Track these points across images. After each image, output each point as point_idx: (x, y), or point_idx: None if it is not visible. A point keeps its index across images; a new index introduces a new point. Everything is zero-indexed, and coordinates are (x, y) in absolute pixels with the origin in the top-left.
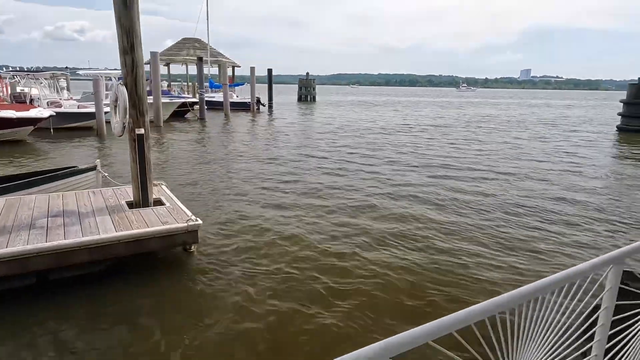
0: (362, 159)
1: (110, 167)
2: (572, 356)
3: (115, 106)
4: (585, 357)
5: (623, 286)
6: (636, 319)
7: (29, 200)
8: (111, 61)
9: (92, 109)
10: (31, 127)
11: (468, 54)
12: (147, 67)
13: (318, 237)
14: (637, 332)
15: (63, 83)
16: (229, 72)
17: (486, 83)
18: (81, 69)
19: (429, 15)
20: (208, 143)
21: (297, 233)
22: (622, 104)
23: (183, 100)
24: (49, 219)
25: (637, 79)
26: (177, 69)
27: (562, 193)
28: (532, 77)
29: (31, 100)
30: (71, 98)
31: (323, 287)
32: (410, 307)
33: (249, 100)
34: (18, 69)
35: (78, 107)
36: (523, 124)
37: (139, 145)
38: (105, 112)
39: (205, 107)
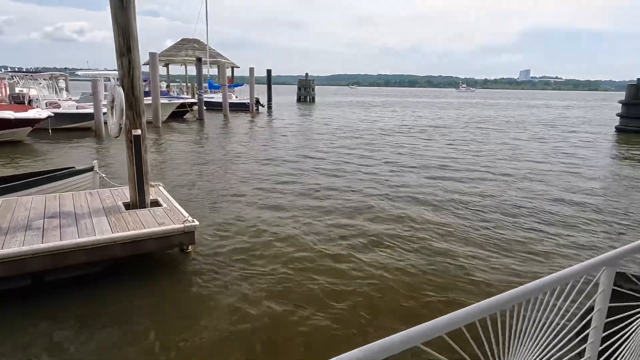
0: (360, 159)
1: (108, 168)
2: (566, 358)
3: (112, 107)
4: (579, 359)
5: (616, 288)
6: (629, 320)
7: (26, 201)
8: (110, 62)
9: (90, 110)
10: (29, 128)
11: (467, 55)
12: (146, 68)
13: (314, 238)
14: (631, 334)
15: (62, 84)
16: (228, 72)
17: (485, 84)
18: (80, 69)
19: (428, 16)
20: (206, 144)
21: (293, 234)
22: (620, 104)
23: (182, 101)
24: (45, 220)
25: (635, 79)
26: (176, 69)
27: (560, 194)
28: (531, 77)
29: (30, 101)
30: (70, 99)
31: (319, 288)
32: (406, 309)
33: (248, 101)
34: (17, 69)
35: (77, 108)
36: (522, 125)
37: (135, 147)
38: (104, 113)
39: (204, 107)
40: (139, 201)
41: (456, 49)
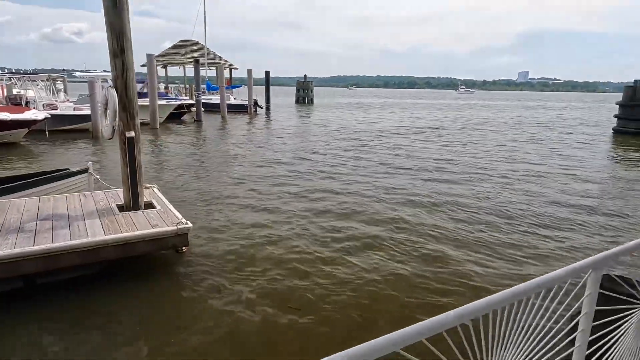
0: (356, 161)
1: (104, 170)
2: None
3: (106, 109)
4: None
5: (603, 291)
6: (617, 324)
7: (19, 204)
8: (108, 63)
9: (87, 112)
10: (26, 130)
11: (466, 57)
12: (144, 70)
13: (309, 241)
14: (618, 337)
15: (60, 85)
16: (227, 74)
17: (484, 85)
18: (78, 71)
19: (427, 18)
20: (203, 145)
21: (288, 236)
22: (618, 106)
23: (180, 102)
24: (38, 222)
25: (633, 81)
26: (175, 71)
27: (556, 196)
28: (529, 79)
29: (27, 103)
30: (67, 100)
31: (312, 290)
32: (399, 312)
33: (246, 102)
34: (14, 70)
35: (74, 110)
36: (519, 126)
37: (129, 148)
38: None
39: (203, 109)
40: (132, 203)
41: (455, 50)
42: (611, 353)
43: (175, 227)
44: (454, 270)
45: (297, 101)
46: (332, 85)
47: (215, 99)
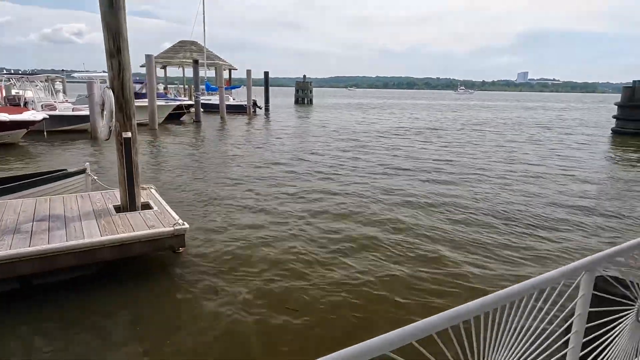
0: (355, 162)
1: (103, 170)
2: None
3: (103, 110)
4: None
5: (597, 292)
6: (611, 325)
7: (16, 205)
8: None
9: (86, 112)
10: (24, 130)
11: (465, 57)
12: (143, 70)
13: (306, 242)
14: (613, 339)
15: (59, 86)
16: (226, 75)
17: (483, 86)
18: (78, 71)
19: (426, 18)
20: (202, 146)
21: (286, 238)
22: (617, 106)
23: (178, 103)
24: (34, 223)
25: (632, 81)
26: (174, 71)
27: (554, 197)
28: (529, 79)
29: (25, 103)
30: (66, 101)
31: (309, 291)
32: (395, 313)
33: (246, 103)
34: (12, 71)
35: (73, 110)
36: (519, 127)
37: (126, 149)
38: None
39: (202, 109)
40: (129, 204)
41: (454, 51)
42: (605, 354)
43: (172, 228)
44: (451, 272)
45: (296, 102)
46: (332, 85)
47: (214, 99)
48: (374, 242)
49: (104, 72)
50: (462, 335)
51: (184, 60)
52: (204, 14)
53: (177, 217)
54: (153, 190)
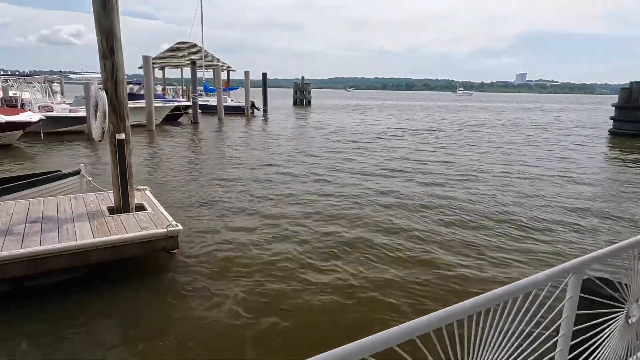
0: (352, 164)
1: (99, 172)
2: None
3: (96, 111)
4: None
5: (586, 295)
6: (600, 328)
7: (9, 206)
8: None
9: (83, 113)
10: (20, 132)
11: (464, 58)
12: (141, 71)
13: (300, 245)
14: (602, 342)
15: (57, 87)
16: (224, 76)
17: (482, 87)
18: (75, 72)
19: (424, 20)
20: (199, 147)
21: (280, 240)
22: (614, 108)
23: (176, 104)
24: (27, 224)
25: (629, 83)
26: (173, 72)
27: (551, 198)
28: (527, 81)
29: (22, 105)
30: (64, 102)
31: (303, 293)
32: (389, 315)
33: (244, 104)
34: (9, 72)
35: (70, 111)
36: (517, 128)
37: (119, 151)
38: None
39: (200, 111)
40: (123, 205)
41: (453, 52)
42: (594, 357)
43: (165, 230)
44: (444, 274)
45: (295, 103)
46: (330, 87)
47: (212, 100)
48: (368, 244)
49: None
50: (445, 339)
51: (182, 61)
52: (202, 15)
53: (170, 218)
54: (147, 192)
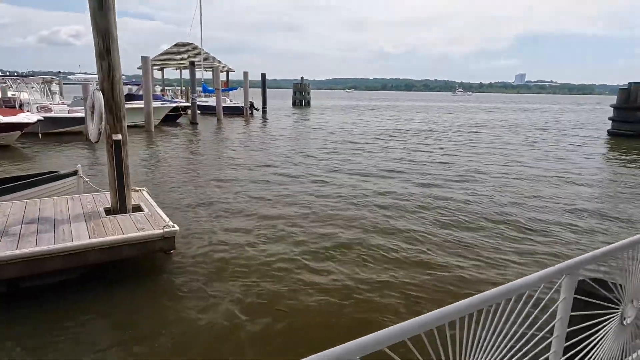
0: (350, 165)
1: (97, 173)
2: None
3: (93, 112)
4: None
5: (580, 296)
6: (594, 330)
7: (5, 207)
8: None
9: (81, 114)
10: (18, 132)
11: (463, 59)
12: (140, 72)
13: (298, 246)
14: (596, 343)
15: (55, 88)
16: (224, 76)
17: (481, 88)
18: (74, 73)
19: (424, 21)
20: (197, 148)
21: (277, 241)
22: (612, 108)
23: (174, 104)
24: (23, 225)
25: (627, 84)
26: (172, 73)
27: (548, 199)
28: (526, 81)
29: (21, 105)
30: (62, 103)
31: (299, 294)
32: (385, 316)
33: (243, 105)
34: (8, 73)
35: (68, 112)
36: (515, 129)
37: (116, 151)
38: None
39: (199, 111)
40: (119, 206)
41: (452, 53)
42: (589, 359)
43: (161, 231)
44: (442, 276)
45: (294, 104)
46: (330, 87)
47: (211, 101)
48: (365, 245)
49: None
50: (437, 341)
51: (181, 62)
52: (200, 15)
53: (167, 219)
54: (145, 193)
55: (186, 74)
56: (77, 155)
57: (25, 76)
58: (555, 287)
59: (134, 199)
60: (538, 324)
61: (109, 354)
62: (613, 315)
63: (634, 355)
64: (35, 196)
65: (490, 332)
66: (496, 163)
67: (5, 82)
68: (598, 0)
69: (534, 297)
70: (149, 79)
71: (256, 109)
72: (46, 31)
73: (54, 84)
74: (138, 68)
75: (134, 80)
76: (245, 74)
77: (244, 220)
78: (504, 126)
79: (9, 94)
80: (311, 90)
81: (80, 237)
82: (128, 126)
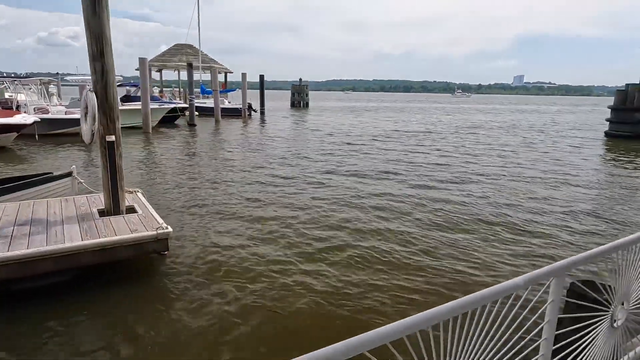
0: (347, 167)
1: (93, 174)
2: None
3: (86, 113)
4: None
5: (570, 299)
6: (585, 331)
7: None
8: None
9: (78, 115)
10: (15, 134)
11: (462, 60)
12: (138, 73)
13: (293, 248)
14: (586, 345)
15: (53, 89)
16: (222, 78)
17: (480, 89)
18: (72, 74)
19: (422, 22)
20: (194, 150)
21: (272, 244)
22: (610, 110)
23: (172, 106)
24: (16, 227)
25: (625, 85)
26: (171, 74)
27: (545, 200)
28: (525, 83)
29: (18, 107)
30: (60, 104)
31: (293, 296)
32: (379, 319)
33: (241, 106)
34: (6, 75)
35: (65, 114)
36: (513, 130)
37: (109, 153)
38: None
39: (197, 113)
40: (113, 208)
41: (451, 54)
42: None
43: (154, 232)
44: (436, 278)
45: (293, 105)
46: (328, 89)
47: (209, 102)
48: (359, 247)
49: None
50: (420, 345)
51: (179, 63)
52: (198, 17)
53: (161, 221)
54: (139, 194)
55: (185, 75)
56: (73, 157)
57: (23, 77)
58: (543, 289)
59: (128, 200)
60: (526, 326)
61: (102, 355)
62: (603, 317)
63: (625, 358)
64: (30, 198)
65: (476, 335)
66: (493, 165)
67: (3, 84)
68: (598, 0)
69: (521, 299)
70: (147, 80)
71: (254, 111)
72: (44, 32)
73: (52, 85)
74: (136, 69)
75: (132, 81)
76: (244, 75)
77: (238, 221)
78: (502, 127)
79: (6, 95)
80: (310, 92)
81: (72, 238)
82: (126, 128)
